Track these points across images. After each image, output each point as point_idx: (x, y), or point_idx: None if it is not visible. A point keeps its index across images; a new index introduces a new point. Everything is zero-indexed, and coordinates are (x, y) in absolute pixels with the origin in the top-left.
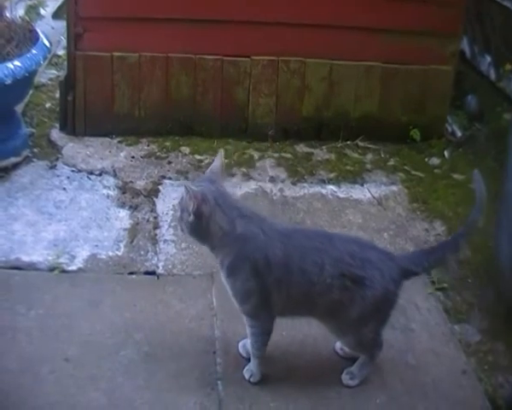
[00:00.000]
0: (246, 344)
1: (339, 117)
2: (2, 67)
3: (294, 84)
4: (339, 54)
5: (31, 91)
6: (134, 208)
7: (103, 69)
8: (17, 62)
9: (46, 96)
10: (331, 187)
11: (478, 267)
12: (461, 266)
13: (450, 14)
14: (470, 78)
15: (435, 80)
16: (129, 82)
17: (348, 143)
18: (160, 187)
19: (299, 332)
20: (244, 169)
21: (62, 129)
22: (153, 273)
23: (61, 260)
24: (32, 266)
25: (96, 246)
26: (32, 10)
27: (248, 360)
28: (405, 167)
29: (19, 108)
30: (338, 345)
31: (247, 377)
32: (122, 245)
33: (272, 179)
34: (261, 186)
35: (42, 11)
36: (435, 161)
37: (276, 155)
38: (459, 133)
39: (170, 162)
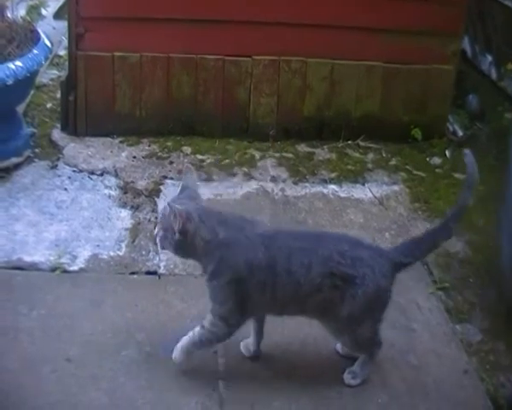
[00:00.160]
0: (248, 344)
1: (340, 117)
2: (3, 67)
3: (296, 84)
4: (340, 53)
5: (32, 92)
6: (135, 208)
7: (104, 69)
8: (18, 63)
9: (47, 96)
10: (332, 187)
11: (479, 267)
12: (462, 265)
13: (451, 13)
14: (471, 77)
15: (436, 80)
16: (130, 82)
17: (349, 142)
18: (162, 187)
19: (301, 332)
20: (245, 169)
21: (63, 129)
22: (154, 273)
23: (63, 260)
24: (33, 267)
25: (98, 246)
26: (34, 10)
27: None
28: (407, 167)
29: (20, 108)
30: (339, 344)
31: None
32: (123, 245)
33: (274, 179)
34: (262, 186)
35: (43, 11)
36: (436, 160)
37: (277, 154)
38: (460, 133)
39: (171, 162)
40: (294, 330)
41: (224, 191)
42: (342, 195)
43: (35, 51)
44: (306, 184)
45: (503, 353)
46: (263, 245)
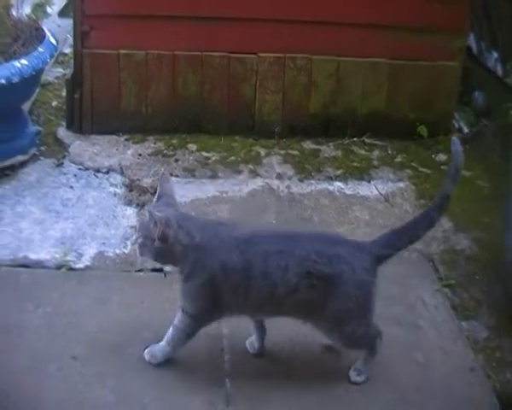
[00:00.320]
0: (253, 341)
1: (346, 114)
2: (8, 65)
3: (301, 81)
4: (346, 50)
5: (37, 90)
6: (141, 206)
7: (110, 67)
8: (24, 61)
9: (53, 94)
10: (338, 184)
11: (485, 264)
12: (468, 262)
13: (456, 10)
14: (477, 74)
15: (442, 76)
16: (136, 80)
17: (355, 139)
18: None
19: (306, 328)
20: (251, 166)
21: (69, 127)
22: (160, 271)
23: (69, 257)
24: (39, 264)
25: (103, 244)
26: (39, 8)
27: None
28: (412, 164)
29: (26, 106)
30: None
31: (146, 358)
32: (129, 243)
33: (279, 176)
34: (268, 183)
35: (48, 9)
36: (442, 157)
37: (282, 151)
38: (466, 129)
39: (177, 160)
40: (300, 326)
41: (230, 189)
42: (348, 192)
43: (40, 49)
44: (312, 182)
45: (510, 350)
46: (238, 248)
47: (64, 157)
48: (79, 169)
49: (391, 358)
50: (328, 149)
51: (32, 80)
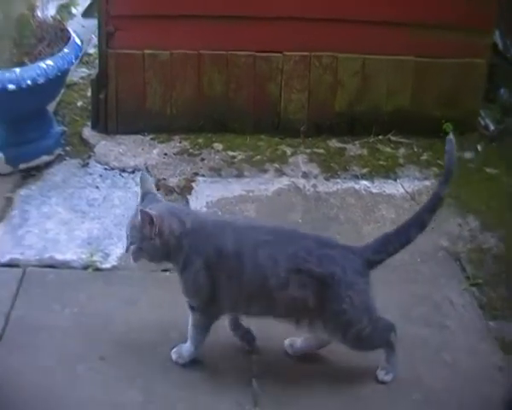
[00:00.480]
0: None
1: (371, 112)
2: (34, 66)
3: (327, 80)
4: (371, 48)
5: (62, 90)
6: None
7: (135, 67)
8: (49, 62)
9: (78, 94)
10: (364, 182)
11: None
12: (495, 261)
13: (482, 6)
14: (503, 71)
15: (468, 74)
16: (161, 79)
17: (380, 137)
18: (193, 184)
19: None
20: (277, 165)
21: (94, 127)
22: None
23: (95, 258)
24: (65, 265)
25: None
26: (64, 9)
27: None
28: (438, 162)
29: (51, 106)
30: (286, 343)
31: (174, 358)
32: None
33: (305, 175)
34: (294, 182)
35: (73, 10)
36: (468, 155)
37: (308, 150)
38: (492, 127)
39: (203, 159)
40: None
41: (256, 187)
42: (374, 190)
43: (66, 50)
44: (338, 180)
45: None
46: (231, 232)
47: (89, 157)
48: (105, 169)
49: (418, 358)
50: (354, 148)
51: (57, 81)
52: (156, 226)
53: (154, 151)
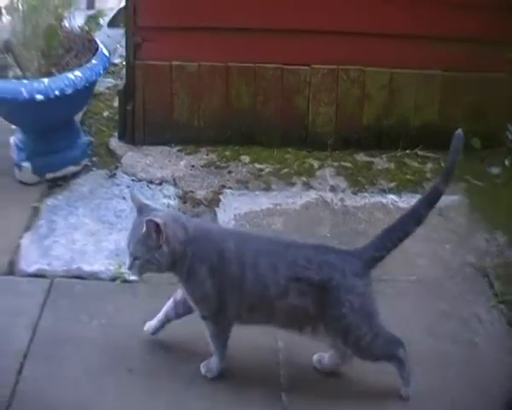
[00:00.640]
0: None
1: (399, 125)
2: (62, 77)
3: (354, 93)
4: (398, 62)
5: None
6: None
7: (162, 78)
8: (78, 73)
9: (104, 104)
10: (392, 197)
11: None
12: None
13: (510, 19)
14: None
15: (495, 88)
16: (188, 91)
17: (408, 151)
18: (221, 196)
19: None
20: (304, 178)
21: (121, 138)
22: None
23: (123, 269)
24: (93, 276)
25: None
26: (92, 20)
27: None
28: (466, 177)
29: (77, 116)
30: (315, 358)
31: (203, 371)
32: None
33: (333, 189)
34: (322, 196)
35: (101, 21)
36: (496, 169)
37: (335, 164)
38: None
39: (230, 172)
40: None
41: (284, 201)
42: (401, 205)
43: (94, 61)
44: (365, 194)
45: None
46: (232, 239)
47: (116, 168)
48: (132, 180)
49: (447, 375)
50: (381, 162)
51: (85, 92)
52: (163, 233)
53: (181, 163)
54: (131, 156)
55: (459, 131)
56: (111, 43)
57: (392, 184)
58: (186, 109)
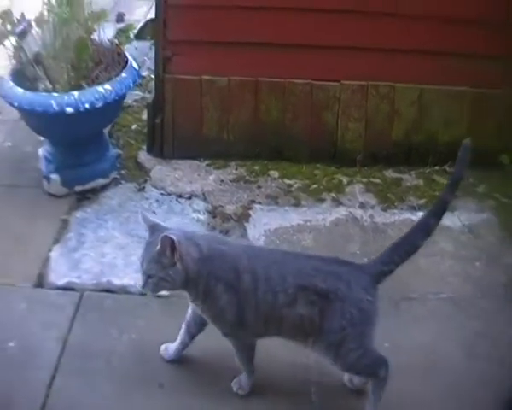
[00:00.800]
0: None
1: (428, 142)
2: (92, 90)
3: (384, 109)
4: (428, 78)
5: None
6: (225, 233)
7: (192, 92)
8: (108, 86)
9: (132, 117)
10: (421, 213)
11: None
12: None
13: None
14: None
15: None
16: (217, 105)
17: (437, 168)
18: (251, 212)
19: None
20: (333, 194)
21: (150, 151)
22: None
23: None
24: (123, 290)
25: None
26: (122, 34)
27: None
28: (495, 194)
29: (105, 129)
30: (346, 377)
31: (235, 389)
32: None
33: (362, 205)
34: (351, 212)
35: (131, 34)
36: None
37: (364, 180)
38: None
39: (259, 187)
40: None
41: (313, 217)
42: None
43: (123, 75)
44: (395, 211)
45: None
46: (245, 254)
47: (145, 181)
48: (161, 194)
49: (480, 395)
50: (410, 178)
51: (115, 106)
52: (177, 250)
53: (211, 177)
54: (160, 170)
55: (467, 140)
56: (139, 55)
57: (422, 201)
58: (215, 124)
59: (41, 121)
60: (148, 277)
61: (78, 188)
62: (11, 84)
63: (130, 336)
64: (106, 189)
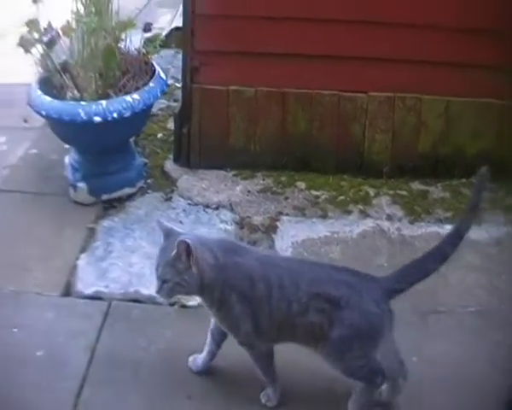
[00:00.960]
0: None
1: (455, 154)
2: (120, 100)
3: (410, 121)
4: (455, 90)
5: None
6: (252, 244)
7: (219, 103)
8: (135, 95)
9: (157, 126)
10: (448, 226)
11: None
12: None
13: None
14: None
15: None
16: (244, 116)
17: (463, 180)
18: (278, 223)
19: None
20: (361, 206)
21: (176, 161)
22: None
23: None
24: (151, 300)
25: None
26: (150, 43)
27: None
28: None
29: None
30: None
31: (263, 401)
32: None
33: (389, 217)
34: (378, 224)
35: (158, 44)
36: None
37: (391, 192)
38: None
39: (286, 198)
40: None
41: (341, 229)
42: None
43: (151, 84)
44: (422, 224)
45: None
46: (258, 262)
47: (172, 191)
48: (188, 204)
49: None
50: (437, 190)
51: (142, 115)
52: (193, 254)
53: (237, 188)
54: (187, 180)
55: (484, 168)
56: (163, 63)
57: (449, 214)
58: (242, 134)
59: (68, 130)
60: (163, 282)
61: (105, 197)
62: (39, 92)
63: (158, 347)
64: (132, 198)
